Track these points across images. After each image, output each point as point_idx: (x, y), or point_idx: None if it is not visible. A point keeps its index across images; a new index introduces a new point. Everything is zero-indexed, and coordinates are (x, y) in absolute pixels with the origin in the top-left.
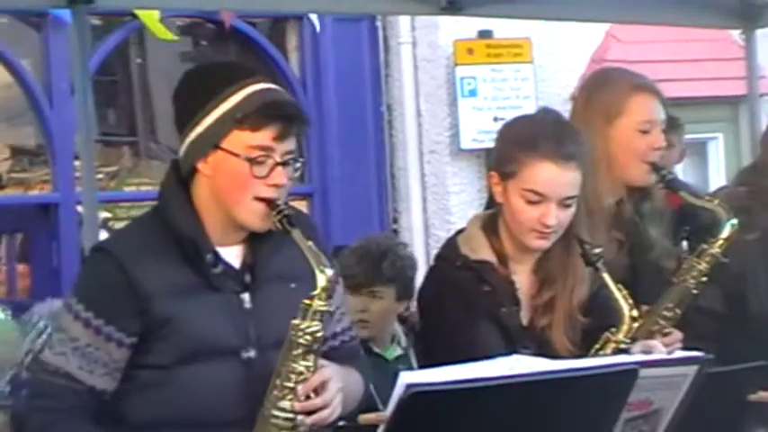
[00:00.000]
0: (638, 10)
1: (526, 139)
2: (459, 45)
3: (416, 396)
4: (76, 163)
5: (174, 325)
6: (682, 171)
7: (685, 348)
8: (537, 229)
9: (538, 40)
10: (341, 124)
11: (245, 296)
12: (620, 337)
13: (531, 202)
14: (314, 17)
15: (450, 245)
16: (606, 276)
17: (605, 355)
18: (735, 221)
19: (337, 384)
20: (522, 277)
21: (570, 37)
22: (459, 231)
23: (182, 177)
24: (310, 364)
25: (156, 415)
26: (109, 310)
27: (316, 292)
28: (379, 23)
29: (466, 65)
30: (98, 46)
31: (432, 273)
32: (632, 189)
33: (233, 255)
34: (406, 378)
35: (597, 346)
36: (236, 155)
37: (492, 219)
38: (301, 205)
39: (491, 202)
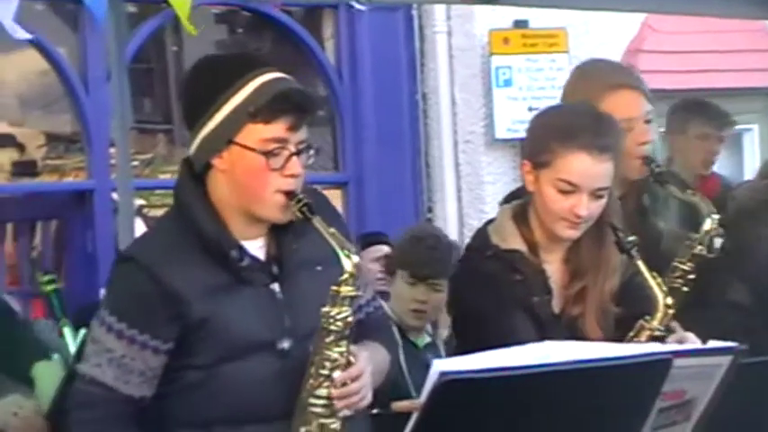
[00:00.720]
0: (674, 0)
1: (562, 129)
2: (495, 35)
3: (450, 384)
4: (111, 150)
5: (211, 325)
6: (717, 163)
7: None
8: (568, 219)
9: (573, 30)
10: (376, 113)
11: (275, 287)
12: (655, 324)
13: (563, 192)
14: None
15: (481, 235)
16: (641, 264)
17: (640, 342)
18: (716, 216)
19: (369, 369)
20: (554, 266)
21: (606, 27)
22: (490, 221)
23: (195, 174)
24: (343, 349)
25: (200, 413)
26: (142, 320)
27: (343, 278)
28: (414, 12)
29: (501, 54)
30: (134, 33)
31: (463, 263)
32: (631, 183)
33: (257, 247)
34: (440, 365)
35: (632, 333)
36: (252, 149)
37: (522, 208)
38: (336, 194)
39: (521, 191)
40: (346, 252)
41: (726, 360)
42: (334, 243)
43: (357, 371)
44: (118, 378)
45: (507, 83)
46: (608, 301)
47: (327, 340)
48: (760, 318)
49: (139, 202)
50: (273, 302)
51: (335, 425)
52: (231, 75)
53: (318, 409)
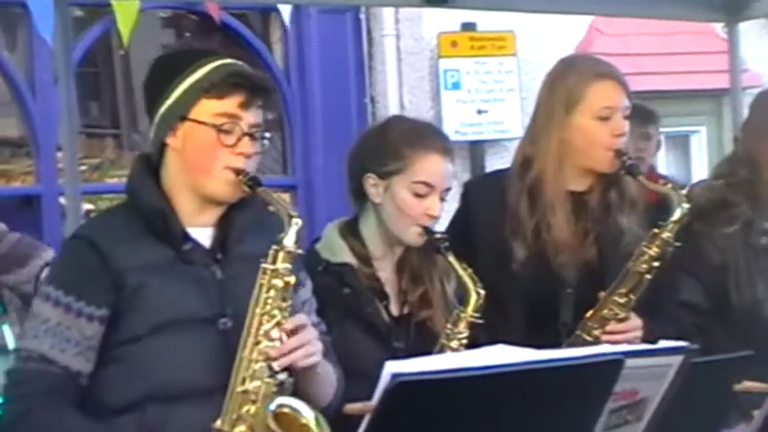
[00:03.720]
0: (621, 3)
1: (412, 134)
2: (443, 38)
3: (402, 386)
4: (59, 155)
5: (144, 294)
6: (665, 164)
7: None
8: (422, 223)
9: (521, 32)
10: (325, 116)
11: (216, 269)
12: (470, 311)
13: (418, 196)
14: (285, 12)
15: (311, 253)
16: (451, 258)
17: (459, 331)
18: (686, 205)
19: (312, 330)
20: (387, 273)
21: (554, 30)
22: (316, 241)
23: (150, 168)
24: (284, 305)
25: (136, 391)
26: (79, 287)
27: (284, 236)
28: (362, 16)
29: (449, 57)
30: (81, 37)
31: None
32: (599, 177)
33: (204, 236)
34: (393, 367)
35: (449, 325)
36: (204, 123)
37: (349, 224)
38: (285, 198)
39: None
40: (290, 216)
41: (677, 360)
42: (279, 207)
43: (297, 322)
44: (54, 346)
45: (456, 86)
46: (452, 300)
47: (267, 296)
48: (714, 318)
49: (87, 206)
50: (212, 282)
51: (274, 383)
52: (189, 60)
53: (257, 367)
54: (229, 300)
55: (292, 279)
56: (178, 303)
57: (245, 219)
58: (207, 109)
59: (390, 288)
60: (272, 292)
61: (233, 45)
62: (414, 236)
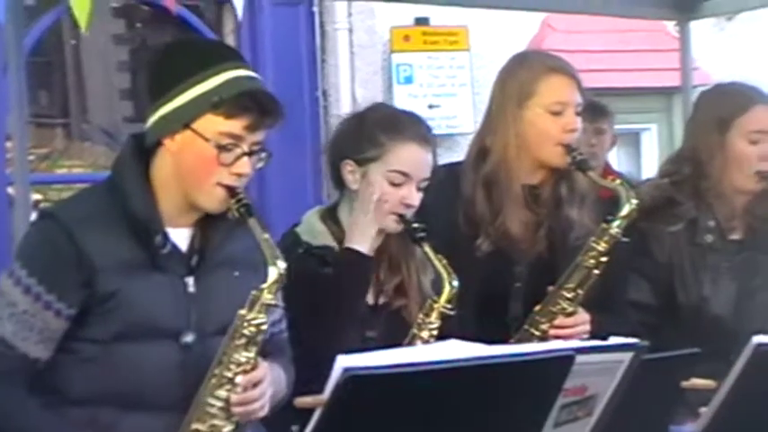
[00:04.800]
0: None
1: (391, 122)
2: (396, 32)
3: (354, 380)
4: (8, 144)
5: (117, 300)
6: (616, 161)
7: None
8: (397, 212)
9: (474, 28)
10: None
11: (190, 280)
12: (443, 302)
13: (394, 184)
14: (238, 4)
15: (290, 235)
16: (427, 248)
17: (431, 322)
18: (635, 201)
19: (269, 381)
20: None
21: (507, 25)
22: (295, 225)
23: (140, 151)
24: (251, 355)
25: (93, 390)
26: (53, 279)
27: (266, 285)
28: (315, 9)
29: (402, 52)
30: (31, 26)
31: None
32: (551, 171)
33: (182, 237)
34: (344, 361)
35: (421, 314)
36: (207, 139)
37: (330, 210)
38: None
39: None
40: (274, 260)
41: (627, 356)
42: (265, 248)
43: (259, 376)
44: (16, 334)
45: (408, 80)
46: (428, 291)
47: (237, 343)
48: (662, 316)
49: (36, 196)
50: (184, 294)
51: (227, 429)
52: (204, 61)
53: (215, 410)
54: (197, 315)
55: (265, 327)
56: (146, 313)
57: (223, 223)
58: (212, 125)
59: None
60: (242, 340)
61: (185, 36)
62: (390, 224)
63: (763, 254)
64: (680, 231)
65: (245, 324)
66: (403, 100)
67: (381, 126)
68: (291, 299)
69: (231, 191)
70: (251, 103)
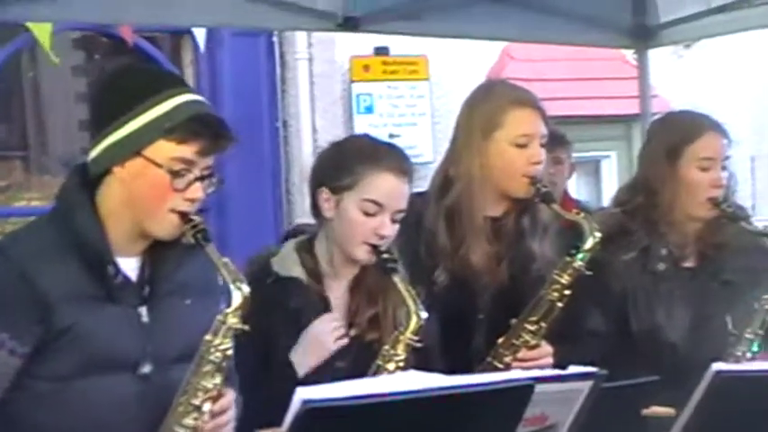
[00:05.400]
0: (533, 28)
1: (367, 152)
2: (356, 61)
3: (313, 412)
4: None
5: (72, 333)
6: (575, 189)
7: None
8: (370, 242)
9: (434, 57)
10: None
11: (143, 310)
12: (409, 334)
13: (368, 214)
14: (199, 36)
15: (262, 263)
16: (397, 279)
17: (397, 353)
18: (598, 234)
19: (234, 409)
20: (338, 293)
21: (466, 55)
22: (273, 254)
23: (85, 181)
24: (218, 381)
25: (50, 427)
26: (6, 318)
27: (230, 310)
28: (275, 39)
29: (362, 81)
30: None
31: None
32: (514, 203)
33: (131, 267)
34: (303, 393)
35: (387, 346)
36: (159, 165)
37: (306, 241)
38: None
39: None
40: (238, 284)
41: (586, 385)
42: (226, 273)
43: (227, 403)
44: None
45: (368, 109)
46: (401, 325)
47: (204, 370)
48: (617, 344)
49: None
50: (138, 325)
51: None
52: (151, 87)
53: None
54: (153, 346)
55: (231, 353)
56: (103, 347)
57: (175, 253)
58: (164, 151)
59: (337, 307)
60: (209, 366)
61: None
62: (362, 253)
63: (716, 281)
64: (633, 260)
65: (212, 350)
66: (363, 130)
67: (358, 155)
68: (258, 326)
69: (184, 216)
70: (202, 128)
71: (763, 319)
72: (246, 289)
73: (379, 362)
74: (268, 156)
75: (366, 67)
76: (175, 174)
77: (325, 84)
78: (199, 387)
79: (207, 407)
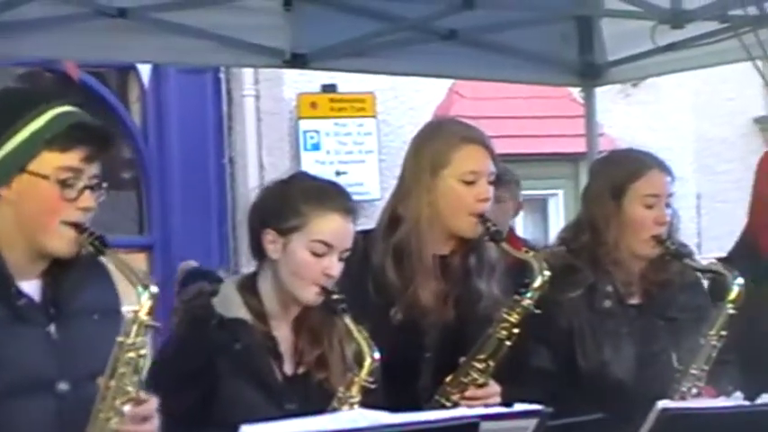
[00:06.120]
0: (480, 67)
1: (314, 192)
2: (303, 98)
3: None
4: None
5: None
6: (522, 227)
7: None
8: (319, 283)
9: (381, 94)
10: (183, 176)
11: (52, 328)
12: (363, 376)
13: (316, 255)
14: (144, 72)
15: (204, 306)
16: (347, 320)
17: (351, 395)
18: (547, 273)
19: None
20: (284, 333)
21: (413, 92)
22: (213, 293)
23: None
24: (135, 381)
25: None
26: None
27: (140, 307)
28: (222, 75)
29: (309, 118)
30: None
31: (191, 332)
32: (462, 241)
33: (32, 289)
34: (247, 431)
35: (342, 388)
36: (46, 177)
37: (249, 279)
38: (141, 257)
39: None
40: (143, 284)
41: (532, 423)
42: (129, 275)
43: (150, 409)
44: None
45: (315, 147)
46: (351, 363)
47: (120, 371)
48: (563, 382)
49: None
50: (49, 343)
51: None
52: (26, 104)
53: None
54: (66, 362)
55: (145, 352)
56: (18, 367)
57: (74, 271)
58: (49, 162)
59: (285, 347)
60: (125, 368)
61: (89, 103)
62: (310, 295)
63: (661, 318)
64: (579, 297)
65: (125, 349)
66: (310, 167)
67: (305, 196)
68: (203, 371)
69: (79, 227)
70: (84, 135)
71: (708, 354)
72: (155, 289)
73: (335, 404)
74: (214, 192)
75: (313, 104)
76: (63, 183)
77: (272, 121)
78: (117, 390)
79: (127, 409)
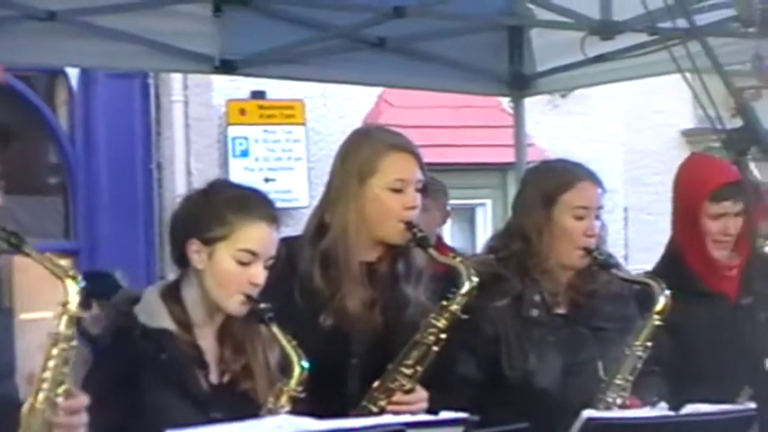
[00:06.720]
0: (410, 75)
1: (238, 201)
2: (232, 105)
3: None
4: None
5: None
6: (450, 236)
7: None
8: (245, 291)
9: (311, 101)
10: (110, 181)
11: None
12: (292, 385)
13: (242, 263)
14: (73, 76)
15: (126, 315)
16: (275, 329)
17: (281, 405)
18: (475, 279)
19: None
20: (208, 342)
21: (343, 100)
22: (135, 302)
23: None
24: (66, 372)
25: None
26: None
27: (69, 300)
28: (151, 80)
29: (238, 125)
30: None
31: (115, 342)
32: (389, 248)
33: None
34: None
35: (271, 398)
36: None
37: (172, 288)
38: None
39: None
40: (69, 276)
41: (458, 431)
42: (54, 268)
43: (80, 404)
44: None
45: (244, 153)
46: (276, 373)
47: (53, 363)
48: (488, 390)
49: None
50: None
51: None
52: None
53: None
54: None
55: (75, 344)
56: None
57: None
58: None
59: (211, 356)
60: (56, 360)
61: (15, 106)
62: (236, 304)
63: (587, 328)
64: (505, 306)
65: (57, 338)
66: (239, 173)
67: (228, 205)
68: (128, 382)
69: None
70: None
71: (634, 365)
72: (82, 282)
73: (264, 414)
74: (141, 198)
75: (242, 111)
76: None
77: (200, 127)
78: (51, 382)
79: (60, 401)
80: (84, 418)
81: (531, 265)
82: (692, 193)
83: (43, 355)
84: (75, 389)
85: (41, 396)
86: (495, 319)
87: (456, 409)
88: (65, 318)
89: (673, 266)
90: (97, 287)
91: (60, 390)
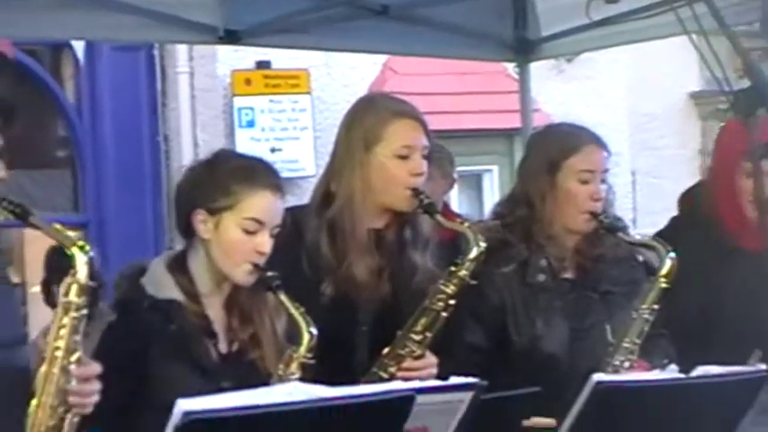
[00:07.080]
0: (414, 42)
1: (243, 170)
2: (237, 75)
3: (194, 423)
4: None
5: None
6: (457, 202)
7: None
8: (251, 260)
9: (315, 71)
10: (117, 153)
11: None
12: (302, 352)
13: (248, 232)
14: (79, 49)
15: (134, 286)
16: (283, 297)
17: (291, 372)
18: (483, 244)
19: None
20: (216, 311)
21: (348, 68)
22: (142, 273)
23: None
24: (78, 340)
25: None
26: None
27: (77, 270)
28: (156, 52)
29: (244, 95)
30: None
31: (120, 315)
32: (396, 215)
33: None
34: (184, 405)
35: (281, 365)
36: None
37: (178, 259)
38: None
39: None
40: (77, 246)
41: (467, 396)
42: (56, 236)
43: (92, 372)
44: None
45: (250, 124)
46: (283, 342)
47: (64, 332)
48: (495, 357)
49: None
50: None
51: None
52: None
53: (55, 402)
54: None
55: (86, 312)
56: None
57: None
58: None
59: (219, 326)
60: (68, 329)
61: (23, 81)
62: (243, 274)
63: (594, 292)
64: (511, 272)
65: (66, 306)
66: (245, 144)
67: (233, 175)
68: (138, 355)
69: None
70: None
71: (641, 328)
72: (91, 253)
73: (275, 382)
74: (148, 170)
75: (248, 81)
76: None
77: (206, 98)
78: (65, 350)
79: (73, 368)
80: (96, 385)
81: (536, 231)
82: (729, 152)
83: (55, 323)
84: (86, 358)
85: (55, 365)
86: (500, 286)
87: (464, 375)
88: (74, 287)
89: (703, 223)
90: None
91: (73, 358)
